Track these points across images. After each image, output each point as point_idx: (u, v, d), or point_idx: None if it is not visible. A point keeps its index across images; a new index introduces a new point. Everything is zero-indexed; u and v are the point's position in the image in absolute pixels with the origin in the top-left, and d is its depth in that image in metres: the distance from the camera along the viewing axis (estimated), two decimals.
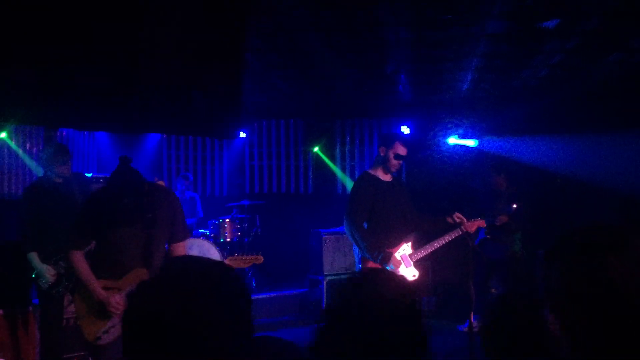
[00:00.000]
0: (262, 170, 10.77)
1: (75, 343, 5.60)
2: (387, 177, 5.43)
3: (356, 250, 5.34)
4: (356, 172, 10.28)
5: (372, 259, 5.12)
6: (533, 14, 5.40)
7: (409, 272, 5.29)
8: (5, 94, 2.82)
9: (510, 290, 7.14)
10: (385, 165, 5.38)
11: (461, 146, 9.51)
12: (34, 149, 8.54)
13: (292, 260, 9.49)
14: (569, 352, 1.54)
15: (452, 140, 9.53)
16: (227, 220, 8.81)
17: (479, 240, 7.58)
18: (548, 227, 7.82)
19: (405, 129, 9.63)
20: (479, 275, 7.15)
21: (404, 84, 8.40)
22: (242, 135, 10.42)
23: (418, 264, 5.39)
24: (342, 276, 8.32)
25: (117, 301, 3.93)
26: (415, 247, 5.41)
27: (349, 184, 9.95)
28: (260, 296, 8.43)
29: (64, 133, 8.96)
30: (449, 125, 9.49)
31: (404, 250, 5.32)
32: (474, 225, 5.51)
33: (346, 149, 10.50)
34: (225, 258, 5.97)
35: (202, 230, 8.86)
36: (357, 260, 5.39)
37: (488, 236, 7.62)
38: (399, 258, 5.24)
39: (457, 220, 5.32)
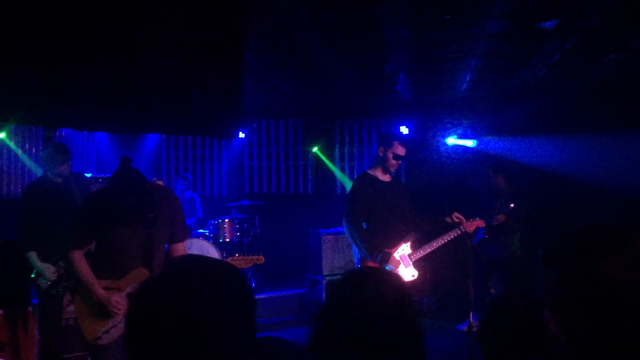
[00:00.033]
0: (262, 171, 10.77)
1: (75, 343, 5.60)
2: (386, 177, 5.43)
3: (355, 250, 5.34)
4: (355, 172, 10.27)
5: (371, 259, 5.13)
6: (533, 14, 5.40)
7: (408, 272, 5.29)
8: (5, 94, 2.81)
9: (509, 291, 7.15)
10: (384, 166, 5.39)
11: (460, 146, 9.52)
12: (33, 149, 8.54)
13: (291, 261, 9.49)
14: (569, 353, 1.54)
15: (451, 140, 9.53)
16: (227, 220, 8.81)
17: (477, 240, 7.59)
18: (547, 227, 7.82)
19: (404, 129, 9.63)
20: (478, 275, 7.16)
21: (403, 84, 8.40)
22: (242, 135, 10.42)
23: (417, 264, 5.40)
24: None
25: (117, 301, 3.93)
26: (415, 247, 5.42)
27: (348, 184, 9.94)
28: (260, 296, 8.43)
29: (63, 133, 8.96)
30: (448, 126, 9.50)
31: (403, 250, 5.32)
32: (473, 225, 5.52)
33: (345, 149, 10.50)
34: (225, 258, 5.96)
35: (202, 231, 8.86)
36: (356, 260, 5.40)
37: (486, 236, 7.63)
38: (398, 258, 5.24)
39: (456, 220, 5.33)
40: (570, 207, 8.15)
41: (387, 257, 5.14)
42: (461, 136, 9.48)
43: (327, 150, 10.51)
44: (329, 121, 10.44)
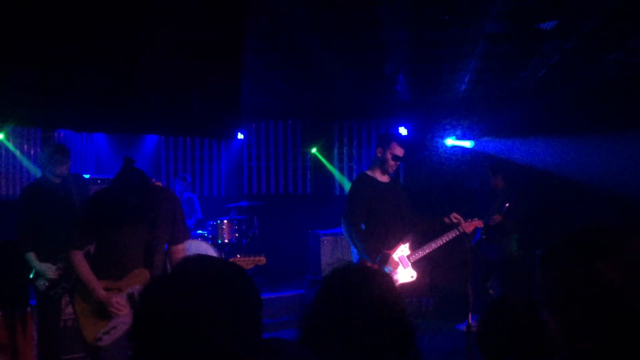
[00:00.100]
0: (260, 171, 10.76)
1: (74, 344, 5.59)
2: (384, 178, 5.43)
3: (354, 251, 5.34)
4: (354, 173, 10.27)
5: (370, 261, 5.12)
6: (532, 14, 5.41)
7: (407, 273, 5.29)
8: (4, 94, 2.81)
9: (507, 291, 7.16)
10: (382, 166, 5.38)
11: (459, 147, 9.53)
12: (32, 150, 8.54)
13: (290, 261, 9.49)
14: (569, 353, 1.55)
15: (450, 141, 9.54)
16: (225, 221, 8.80)
17: (475, 240, 7.59)
18: (546, 227, 7.84)
19: (403, 130, 9.64)
20: (477, 275, 7.16)
21: (403, 84, 8.41)
22: (240, 136, 10.42)
23: (416, 264, 5.40)
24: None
25: (118, 302, 3.92)
26: (413, 248, 5.41)
27: (347, 185, 9.95)
28: None
29: (61, 134, 8.95)
30: (447, 127, 9.51)
31: (402, 251, 5.32)
32: (472, 225, 5.52)
33: (344, 150, 10.50)
34: (225, 259, 5.94)
35: (200, 231, 8.85)
36: (355, 261, 5.39)
37: (483, 236, 7.64)
38: (397, 259, 5.24)
39: (455, 220, 5.33)
40: (569, 207, 8.16)
41: (386, 259, 5.13)
42: (460, 137, 9.49)
43: (326, 150, 10.51)
44: (328, 122, 10.45)
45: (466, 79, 8.13)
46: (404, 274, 5.26)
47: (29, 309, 5.81)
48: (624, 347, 1.45)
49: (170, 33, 3.07)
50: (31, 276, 5.24)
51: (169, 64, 3.13)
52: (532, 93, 8.58)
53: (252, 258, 4.77)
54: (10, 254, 5.49)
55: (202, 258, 1.52)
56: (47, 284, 5.20)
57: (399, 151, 5.36)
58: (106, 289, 3.93)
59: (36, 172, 8.10)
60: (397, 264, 5.22)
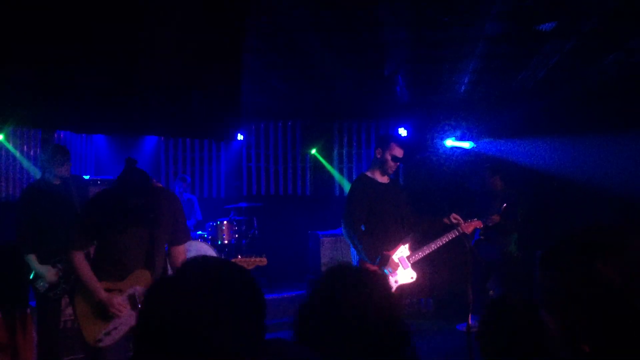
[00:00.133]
0: (260, 172, 10.76)
1: (74, 345, 5.59)
2: (384, 179, 5.43)
3: (354, 252, 5.33)
4: (354, 174, 10.27)
5: (370, 262, 5.12)
6: (532, 14, 5.41)
7: (407, 274, 5.29)
8: (4, 94, 2.81)
9: (506, 292, 7.15)
10: (382, 167, 5.38)
11: (459, 148, 9.53)
12: (31, 151, 8.53)
13: (290, 262, 9.49)
14: (569, 353, 1.54)
15: (450, 142, 9.54)
16: (225, 222, 8.79)
17: (474, 241, 7.59)
18: (546, 228, 7.84)
19: (402, 131, 9.64)
20: (476, 276, 7.16)
21: (402, 85, 8.41)
22: (240, 137, 10.41)
23: (416, 265, 5.39)
24: None
25: (119, 303, 3.91)
26: (413, 249, 5.41)
27: (347, 186, 9.94)
28: None
29: (61, 135, 8.95)
30: (447, 127, 9.51)
31: (402, 252, 5.32)
32: (471, 226, 5.52)
33: (344, 151, 10.50)
34: (228, 260, 5.91)
35: (200, 233, 8.84)
36: (354, 262, 5.38)
37: (482, 237, 7.64)
38: (396, 260, 5.23)
39: (454, 221, 5.33)
40: (569, 208, 8.16)
41: (386, 260, 5.13)
42: (460, 138, 9.49)
43: (326, 151, 10.51)
44: (327, 123, 10.45)
45: (466, 80, 8.14)
46: (404, 275, 5.26)
47: (28, 310, 5.81)
48: (624, 347, 1.45)
49: (170, 33, 3.07)
50: (31, 277, 5.23)
51: (169, 64, 3.13)
52: (532, 93, 8.58)
53: (253, 259, 4.74)
54: (10, 255, 5.49)
55: (207, 259, 1.53)
56: (46, 285, 5.19)
57: (399, 152, 5.36)
58: (107, 290, 3.92)
59: (36, 173, 8.10)
60: (397, 265, 5.22)
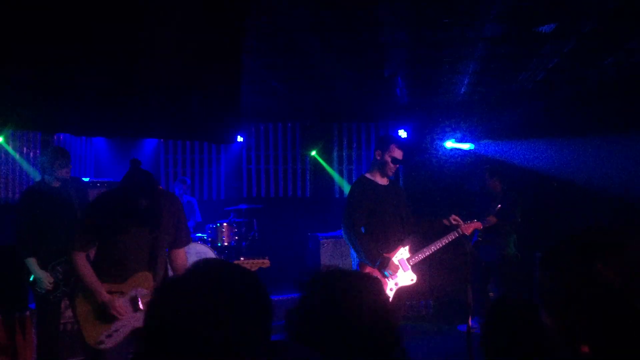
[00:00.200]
0: (260, 174, 10.76)
1: (73, 347, 5.58)
2: (384, 181, 5.42)
3: (354, 254, 5.32)
4: (354, 175, 10.28)
5: (370, 264, 5.12)
6: (532, 15, 5.41)
7: (407, 276, 5.28)
8: (4, 94, 2.81)
9: (505, 293, 7.15)
10: (382, 169, 5.37)
11: (458, 149, 9.53)
12: (31, 153, 8.53)
13: (290, 264, 9.47)
14: (569, 353, 1.54)
15: (450, 144, 9.55)
16: (225, 224, 8.79)
17: (472, 242, 7.59)
18: (546, 228, 7.84)
19: (402, 133, 9.64)
20: (476, 277, 7.16)
21: (402, 87, 8.41)
22: (240, 139, 10.41)
23: (416, 267, 5.39)
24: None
25: (120, 305, 3.90)
26: (413, 251, 5.40)
27: (347, 188, 9.94)
28: None
29: (61, 137, 8.95)
30: (447, 129, 9.51)
31: (402, 254, 5.31)
32: (471, 227, 5.53)
33: (344, 153, 10.50)
34: (235, 263, 5.88)
35: (200, 234, 8.84)
36: (354, 264, 5.38)
37: (480, 238, 7.64)
38: (396, 262, 5.23)
39: (454, 222, 5.33)
40: (569, 208, 8.16)
41: (386, 262, 5.12)
42: (459, 139, 9.49)
43: (326, 153, 10.52)
44: (327, 124, 10.45)
45: (466, 81, 8.14)
46: (404, 277, 5.25)
47: (28, 312, 5.80)
48: (624, 347, 1.45)
49: (170, 33, 3.07)
50: (31, 279, 5.23)
51: (169, 64, 3.13)
52: (532, 94, 8.59)
53: (256, 261, 4.70)
54: (10, 258, 5.49)
55: (213, 262, 1.53)
56: (44, 290, 5.18)
57: (398, 154, 5.35)
58: (108, 292, 3.91)
59: (35, 175, 8.10)
60: (397, 267, 5.21)
